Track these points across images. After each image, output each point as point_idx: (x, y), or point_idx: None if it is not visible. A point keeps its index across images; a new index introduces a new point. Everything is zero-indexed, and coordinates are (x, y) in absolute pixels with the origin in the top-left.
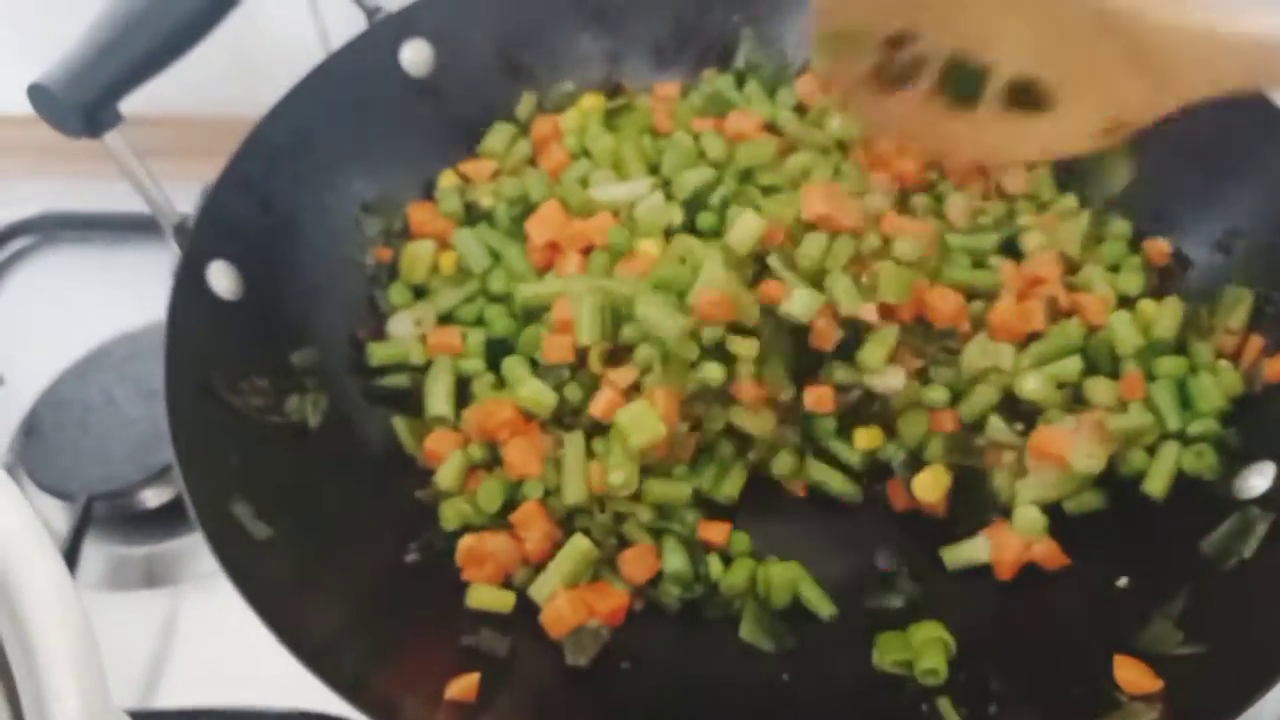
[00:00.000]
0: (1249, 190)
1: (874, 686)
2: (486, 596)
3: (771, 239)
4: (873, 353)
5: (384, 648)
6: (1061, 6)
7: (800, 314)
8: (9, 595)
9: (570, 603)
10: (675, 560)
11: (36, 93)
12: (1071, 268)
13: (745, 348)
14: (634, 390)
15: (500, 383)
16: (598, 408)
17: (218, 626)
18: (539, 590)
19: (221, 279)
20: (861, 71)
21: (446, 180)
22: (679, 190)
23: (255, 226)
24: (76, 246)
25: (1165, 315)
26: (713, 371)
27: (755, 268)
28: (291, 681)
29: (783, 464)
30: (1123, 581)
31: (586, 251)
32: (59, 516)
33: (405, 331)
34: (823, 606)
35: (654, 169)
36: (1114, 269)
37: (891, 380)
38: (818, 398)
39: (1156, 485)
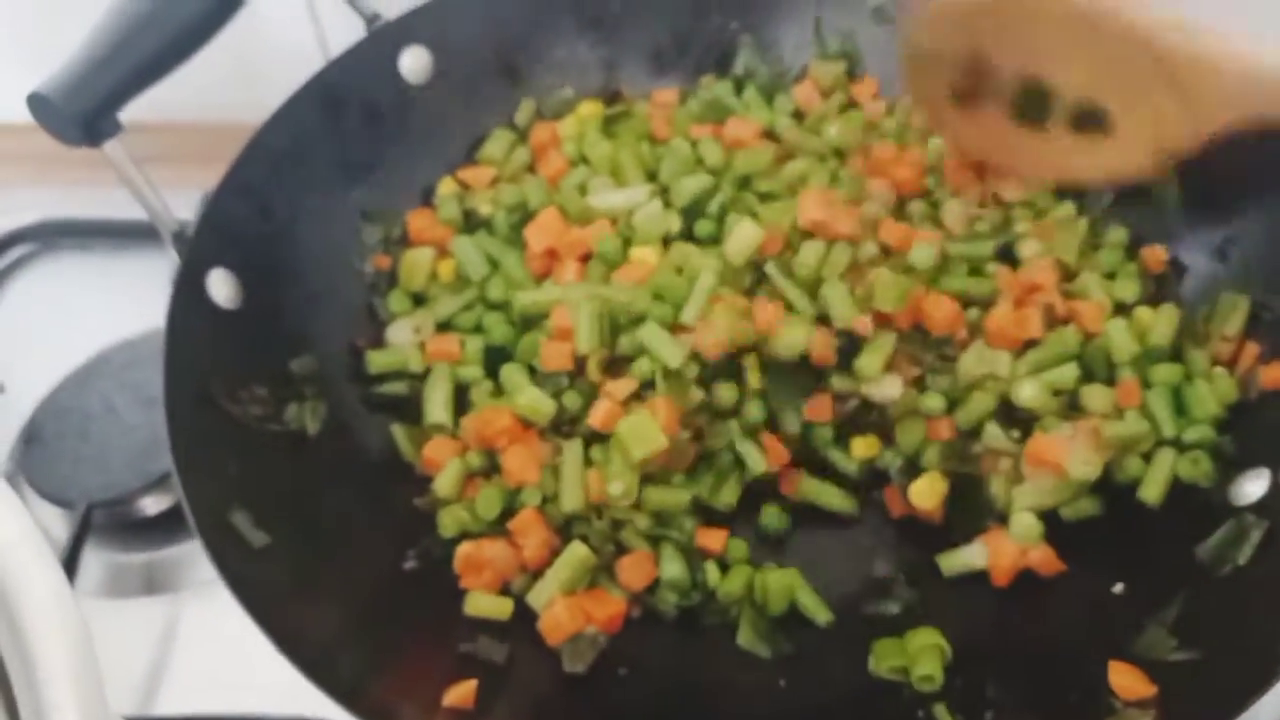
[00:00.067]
0: (1245, 198)
1: (870, 693)
2: (484, 603)
3: (769, 247)
4: (870, 361)
5: (382, 655)
6: (1116, 39)
7: (788, 352)
8: (8, 604)
9: (568, 610)
10: (673, 567)
11: (36, 102)
12: (1068, 275)
13: (752, 377)
14: (633, 400)
15: (499, 390)
16: (596, 418)
17: (216, 634)
18: (537, 597)
19: (221, 286)
20: (941, 89)
21: (445, 187)
22: (677, 197)
23: (254, 234)
24: (76, 254)
25: (1161, 322)
26: (724, 393)
27: (753, 276)
28: (290, 689)
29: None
30: (1118, 588)
31: (585, 259)
32: (59, 524)
33: (404, 339)
34: (820, 613)
35: (652, 176)
36: (1111, 276)
37: (888, 389)
38: (816, 407)
39: (1152, 492)
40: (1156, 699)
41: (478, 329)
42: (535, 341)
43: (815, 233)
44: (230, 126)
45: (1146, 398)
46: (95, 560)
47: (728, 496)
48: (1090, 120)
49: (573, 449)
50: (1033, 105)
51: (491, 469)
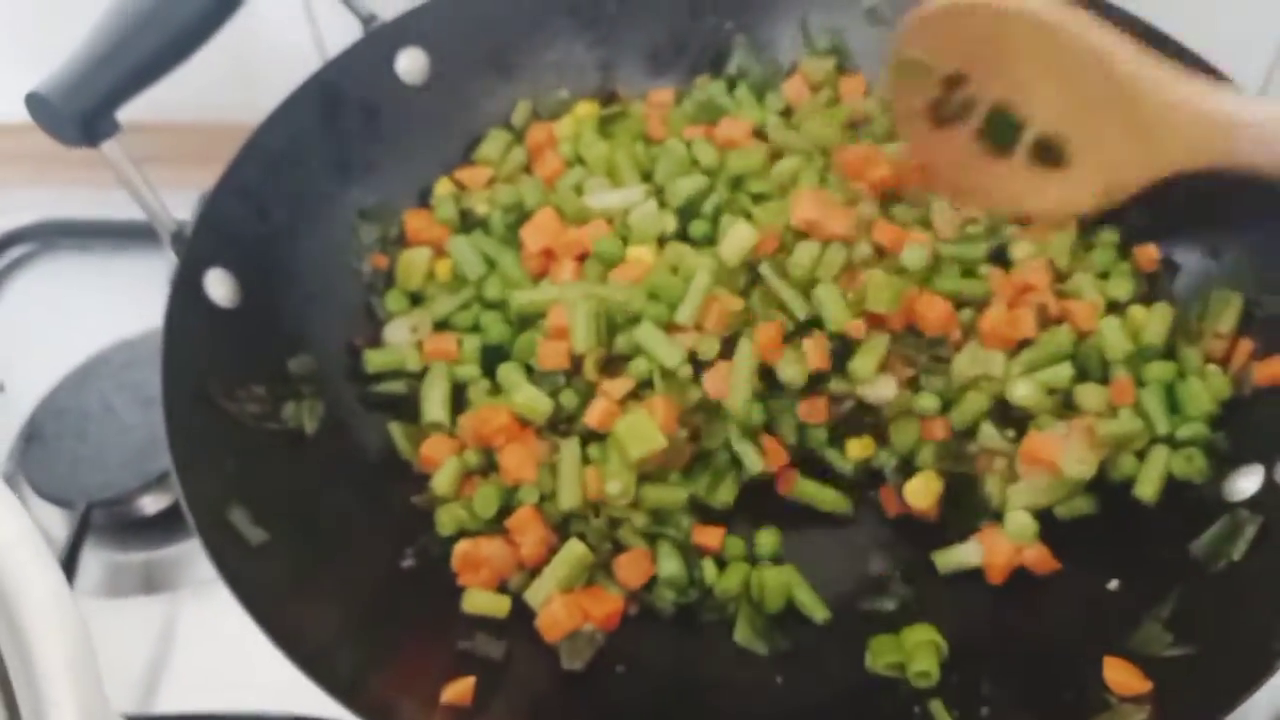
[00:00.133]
0: (1237, 195)
1: (867, 689)
2: (482, 601)
3: (764, 248)
4: (864, 363)
5: (380, 652)
6: (1087, 74)
7: (791, 385)
8: (8, 603)
9: (565, 607)
10: (670, 565)
11: (34, 102)
12: (1061, 275)
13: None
14: (630, 399)
15: (496, 389)
16: (593, 418)
17: (215, 632)
18: (534, 595)
19: (219, 286)
20: (919, 104)
21: (442, 188)
22: (672, 198)
23: (252, 234)
24: (74, 254)
25: (1154, 320)
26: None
27: (747, 276)
28: (288, 686)
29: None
30: (1113, 584)
31: (581, 259)
32: (58, 524)
33: (401, 338)
34: (817, 610)
35: (648, 176)
36: (1104, 276)
37: (883, 390)
38: (811, 408)
39: (1147, 489)
40: (1151, 694)
41: (475, 328)
42: (532, 340)
43: (809, 232)
44: (228, 127)
45: (1140, 395)
46: (94, 560)
47: (725, 495)
48: (1048, 154)
49: (570, 447)
50: (999, 132)
51: (489, 467)
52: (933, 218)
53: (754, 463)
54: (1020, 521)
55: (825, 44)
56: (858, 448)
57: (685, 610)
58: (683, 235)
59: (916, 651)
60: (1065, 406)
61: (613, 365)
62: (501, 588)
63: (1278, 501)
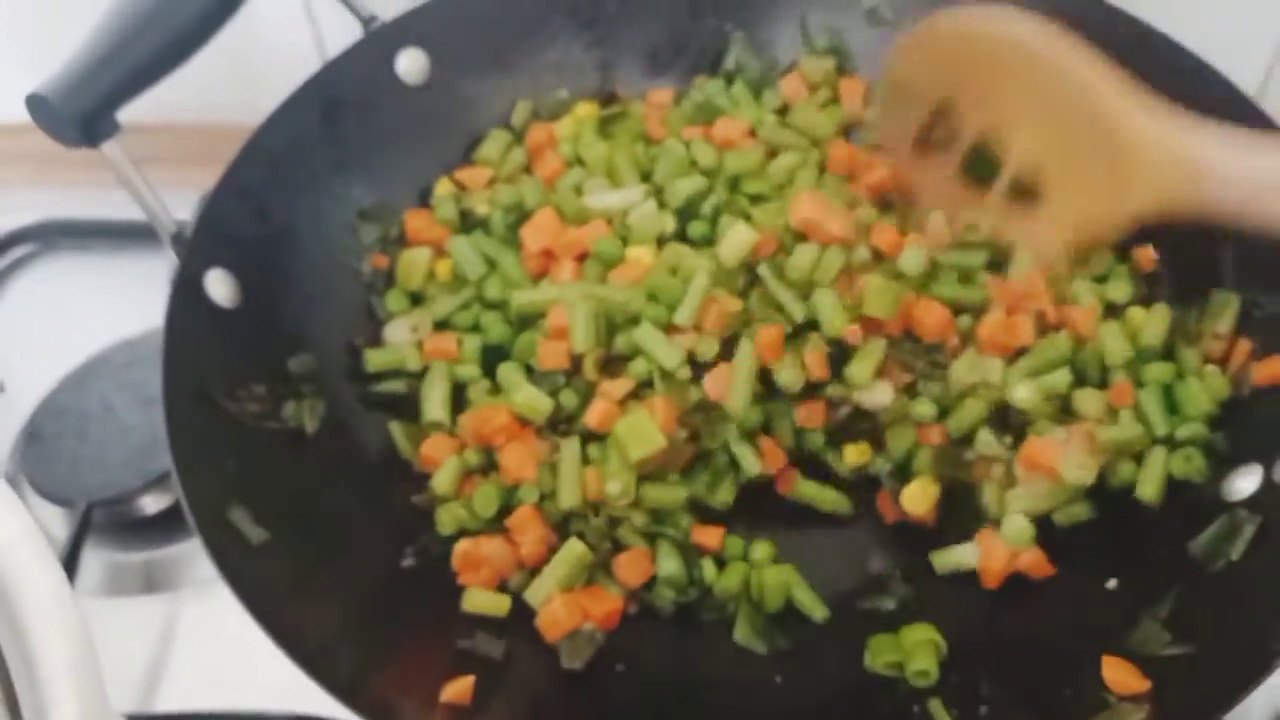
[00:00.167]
0: None
1: (866, 688)
2: (482, 600)
3: (762, 249)
4: (860, 369)
5: (380, 651)
6: (1071, 105)
7: (788, 390)
8: (8, 603)
9: (565, 606)
10: (669, 564)
11: (34, 102)
12: (1058, 280)
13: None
14: (629, 399)
15: (496, 389)
16: (593, 419)
17: (216, 631)
18: (534, 594)
19: (219, 287)
20: (905, 128)
21: (442, 188)
22: (671, 198)
23: (252, 234)
24: (75, 255)
25: (1153, 322)
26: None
27: (746, 278)
28: (289, 685)
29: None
30: (1112, 584)
31: (581, 259)
32: (58, 523)
33: (401, 338)
34: (816, 609)
35: (647, 176)
36: (1102, 279)
37: (880, 395)
38: (808, 413)
39: (1149, 490)
40: (1150, 694)
41: (475, 328)
42: (532, 340)
43: (808, 233)
44: (228, 127)
45: (1139, 396)
46: (95, 559)
47: (724, 496)
48: (1024, 193)
49: (570, 447)
50: (979, 167)
51: (489, 466)
52: (927, 224)
53: (751, 465)
54: (1017, 526)
55: (824, 44)
56: (854, 453)
57: (685, 609)
58: (682, 236)
59: (916, 651)
60: (1064, 412)
61: (612, 365)
62: (501, 587)
63: (1276, 501)
